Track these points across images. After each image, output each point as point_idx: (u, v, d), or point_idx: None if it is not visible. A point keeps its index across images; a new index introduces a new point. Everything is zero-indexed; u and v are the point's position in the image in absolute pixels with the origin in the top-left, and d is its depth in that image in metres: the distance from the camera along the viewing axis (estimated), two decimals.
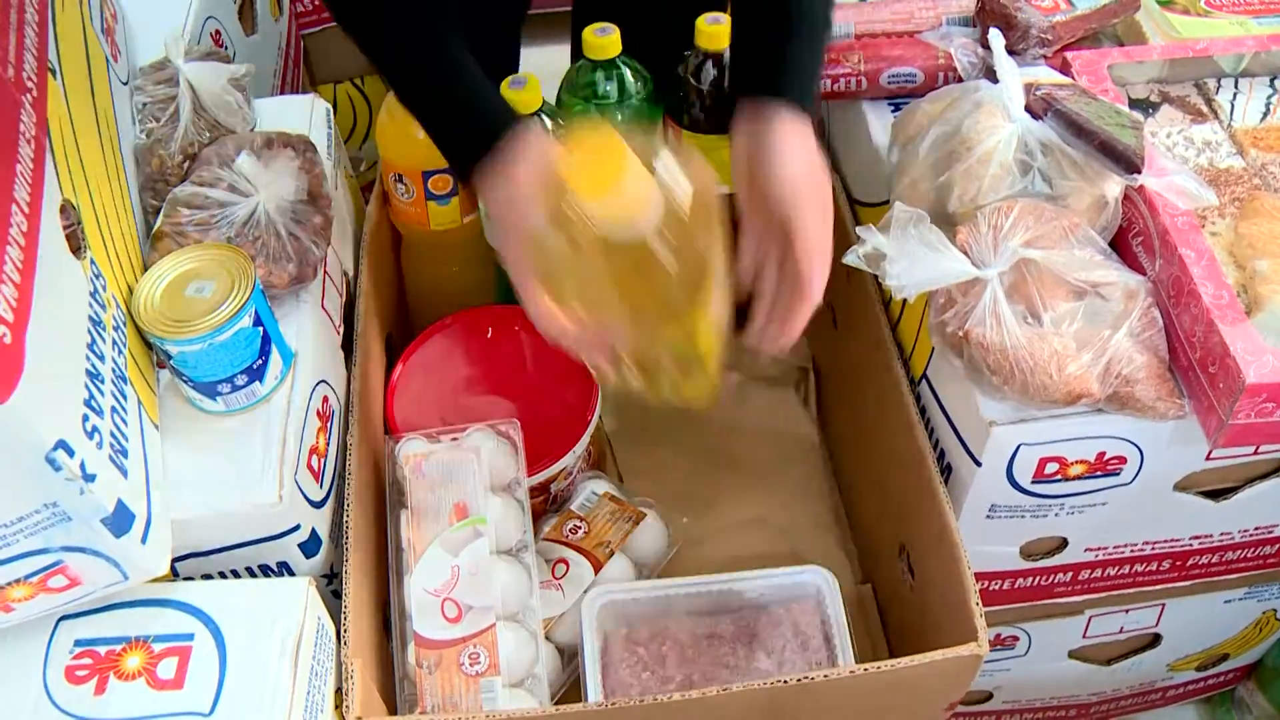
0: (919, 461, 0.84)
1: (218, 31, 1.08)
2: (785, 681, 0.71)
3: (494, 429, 0.88)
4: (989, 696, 1.13)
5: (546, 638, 0.86)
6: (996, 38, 0.84)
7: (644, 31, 0.98)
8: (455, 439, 0.88)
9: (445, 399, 0.93)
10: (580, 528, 0.92)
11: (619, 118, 0.96)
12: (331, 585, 0.81)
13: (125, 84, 0.88)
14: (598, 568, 0.90)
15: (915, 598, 0.90)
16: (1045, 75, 0.86)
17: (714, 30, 0.95)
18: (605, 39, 0.94)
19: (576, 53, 1.04)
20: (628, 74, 0.96)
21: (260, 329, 0.75)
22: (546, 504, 0.95)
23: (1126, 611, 1.00)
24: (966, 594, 0.76)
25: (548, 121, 0.92)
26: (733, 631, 0.88)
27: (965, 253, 0.76)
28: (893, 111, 0.98)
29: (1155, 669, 1.13)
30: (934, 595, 0.84)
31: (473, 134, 0.76)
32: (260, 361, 0.75)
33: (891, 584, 0.96)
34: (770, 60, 0.81)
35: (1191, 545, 0.91)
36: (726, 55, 0.96)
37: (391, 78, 0.81)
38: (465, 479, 0.84)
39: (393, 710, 0.78)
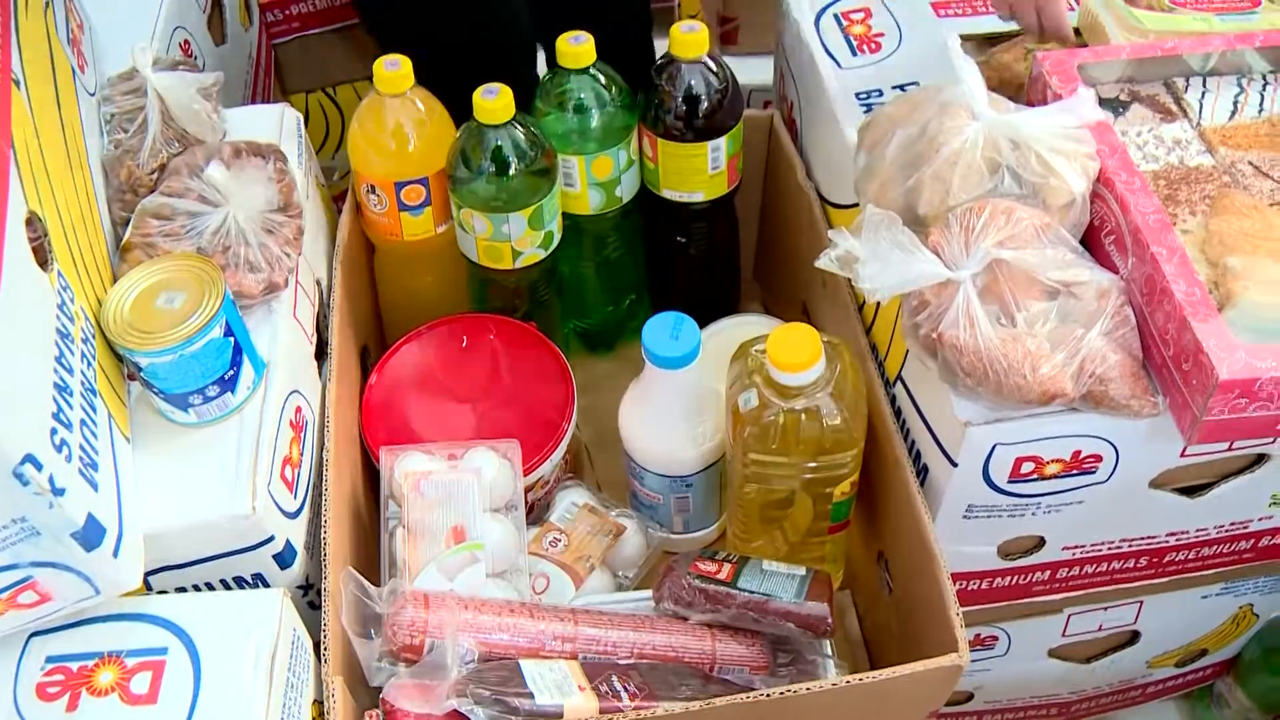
0: (896, 468, 0.84)
1: (186, 41, 1.08)
2: (769, 695, 0.71)
3: (494, 449, 0.87)
4: (969, 697, 1.14)
5: None
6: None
7: (615, 39, 0.97)
8: (453, 456, 0.87)
9: (421, 408, 0.93)
10: (560, 540, 0.91)
11: (593, 125, 0.96)
12: (307, 596, 0.80)
13: (92, 95, 0.87)
14: (579, 582, 0.89)
15: (894, 605, 0.90)
16: None
17: (688, 39, 0.95)
18: (579, 47, 0.94)
19: (551, 61, 1.03)
20: (602, 81, 0.96)
21: (231, 339, 0.74)
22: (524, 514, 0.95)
23: (1105, 609, 1.00)
24: (946, 604, 0.76)
25: (520, 132, 0.92)
26: None
27: (937, 254, 0.76)
28: (864, 111, 0.98)
29: (1135, 666, 1.14)
30: (913, 604, 0.84)
31: None
32: (232, 372, 0.75)
33: (871, 591, 0.96)
34: None
35: (1168, 542, 0.91)
36: (701, 62, 0.96)
37: None
38: (464, 501, 0.83)
39: None
